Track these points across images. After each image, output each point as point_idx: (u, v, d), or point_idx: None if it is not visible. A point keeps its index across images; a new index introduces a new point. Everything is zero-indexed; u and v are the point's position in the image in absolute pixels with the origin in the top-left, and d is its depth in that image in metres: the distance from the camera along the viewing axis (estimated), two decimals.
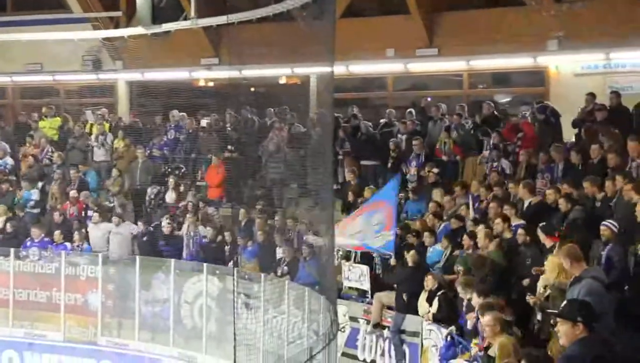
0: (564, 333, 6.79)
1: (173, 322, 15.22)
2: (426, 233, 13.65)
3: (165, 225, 16.46)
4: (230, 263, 15.26)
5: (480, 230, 12.35)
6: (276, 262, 15.22)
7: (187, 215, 16.68)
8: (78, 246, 16.50)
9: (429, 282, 12.43)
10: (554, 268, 10.10)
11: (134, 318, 15.45)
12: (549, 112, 15.88)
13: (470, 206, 14.25)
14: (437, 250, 13.44)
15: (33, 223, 17.20)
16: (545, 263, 10.46)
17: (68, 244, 16.63)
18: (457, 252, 12.88)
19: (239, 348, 13.65)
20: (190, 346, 15.04)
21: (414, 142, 16.53)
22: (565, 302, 7.68)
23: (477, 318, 10.21)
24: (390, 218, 13.48)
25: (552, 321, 8.87)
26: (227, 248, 15.87)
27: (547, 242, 11.17)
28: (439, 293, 12.28)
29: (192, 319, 15.30)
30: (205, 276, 14.90)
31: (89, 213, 17.57)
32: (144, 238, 16.65)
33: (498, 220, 12.51)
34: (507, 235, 12.32)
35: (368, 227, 13.66)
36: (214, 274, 14.96)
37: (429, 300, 12.38)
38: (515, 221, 12.49)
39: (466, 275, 11.74)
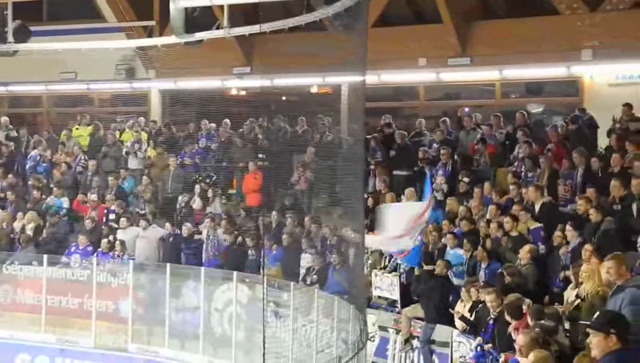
0: (596, 345, 6.65)
1: (202, 330, 15.25)
2: (449, 236, 13.59)
3: (185, 228, 16.62)
4: (256, 270, 15.23)
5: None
6: (301, 269, 15.21)
7: (206, 220, 16.79)
8: (119, 256, 16.66)
9: (469, 295, 12.26)
10: (591, 276, 9.99)
11: (164, 326, 15.49)
12: (583, 122, 15.71)
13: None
14: (457, 254, 13.40)
15: (72, 233, 17.41)
16: (581, 271, 10.35)
17: (104, 251, 16.82)
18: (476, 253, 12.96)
19: (268, 356, 13.66)
20: (220, 354, 15.06)
21: (441, 151, 16.48)
22: (598, 313, 7.55)
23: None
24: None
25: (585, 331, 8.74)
26: (250, 252, 15.88)
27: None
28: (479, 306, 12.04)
29: (222, 327, 15.31)
30: (235, 284, 14.91)
31: (110, 216, 17.80)
32: (170, 240, 16.80)
33: (507, 219, 12.86)
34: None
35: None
36: (244, 282, 14.97)
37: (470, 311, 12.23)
38: (532, 224, 12.49)
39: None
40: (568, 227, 12.25)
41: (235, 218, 17.22)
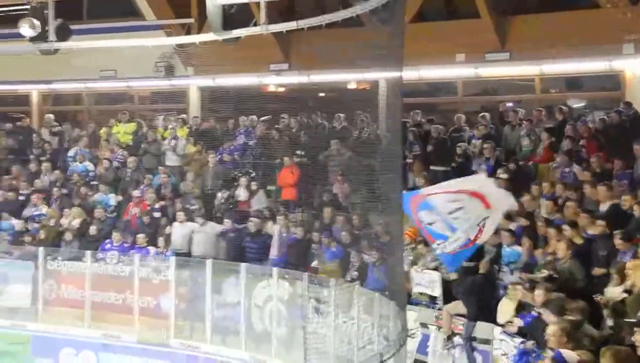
0: None
1: (243, 326, 15.36)
2: (505, 233, 13.49)
3: (252, 223, 16.71)
4: (303, 268, 15.31)
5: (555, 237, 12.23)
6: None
7: (278, 216, 16.85)
8: (162, 252, 16.84)
9: (518, 294, 12.20)
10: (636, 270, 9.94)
11: (205, 321, 15.63)
12: (626, 116, 15.56)
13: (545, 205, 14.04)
14: (513, 251, 13.30)
15: (115, 229, 17.67)
16: (627, 266, 10.29)
17: (152, 249, 17.03)
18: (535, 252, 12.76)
19: (309, 352, 13.74)
20: (260, 350, 15.15)
21: (484, 146, 16.39)
22: None
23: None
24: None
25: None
26: (314, 246, 15.95)
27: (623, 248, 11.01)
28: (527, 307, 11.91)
29: (262, 323, 15.41)
30: (275, 280, 15.00)
31: (155, 214, 18.00)
32: (231, 235, 16.91)
33: (566, 227, 12.48)
34: (578, 240, 12.16)
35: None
36: (284, 278, 15.05)
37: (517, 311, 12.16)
38: (591, 230, 12.31)
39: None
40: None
41: (292, 214, 17.26)
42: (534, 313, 11.26)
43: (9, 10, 18.02)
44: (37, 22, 15.56)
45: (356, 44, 15.64)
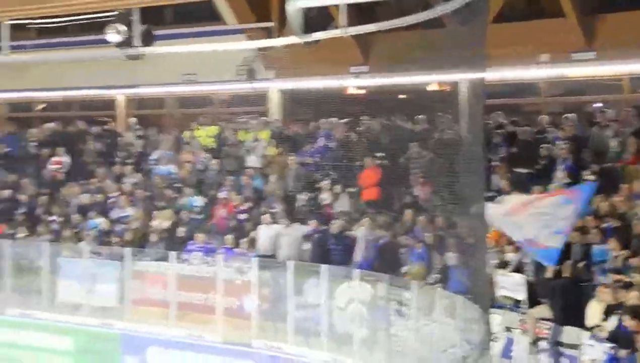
0: None
1: (324, 327, 15.41)
2: (594, 231, 13.17)
3: (335, 225, 16.76)
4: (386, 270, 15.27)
5: None
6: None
7: (363, 219, 16.84)
8: (245, 253, 17.05)
9: (606, 296, 11.92)
10: None
11: (288, 322, 15.75)
12: None
13: None
14: (602, 250, 13.02)
15: (199, 229, 17.96)
16: None
17: (236, 250, 17.25)
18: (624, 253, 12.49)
19: (391, 354, 13.72)
20: (342, 351, 15.19)
21: (562, 147, 16.12)
22: None
23: None
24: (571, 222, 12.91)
25: None
26: (402, 250, 15.91)
27: None
28: (618, 311, 11.71)
29: (344, 325, 15.43)
30: (357, 282, 15.02)
31: (240, 216, 18.18)
32: (316, 237, 16.99)
33: None
34: None
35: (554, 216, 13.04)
36: (366, 280, 15.05)
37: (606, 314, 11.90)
38: None
39: None
40: None
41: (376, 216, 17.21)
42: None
43: (95, 17, 18.49)
44: (123, 28, 15.97)
45: (437, 45, 15.54)
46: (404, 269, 15.40)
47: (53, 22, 20.34)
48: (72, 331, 17.43)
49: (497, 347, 13.41)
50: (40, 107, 27.57)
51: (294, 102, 22.10)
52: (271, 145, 20.22)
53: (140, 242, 18.45)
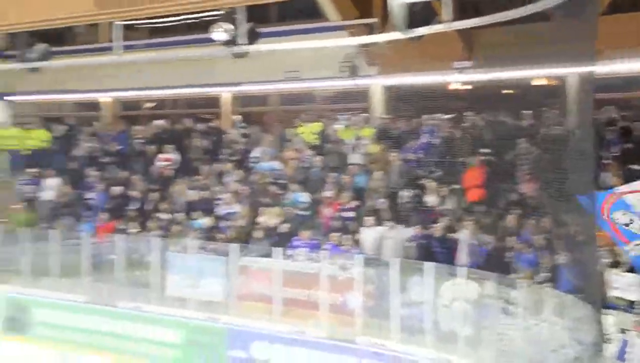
0: None
1: (429, 325, 15.30)
2: None
3: (437, 228, 16.67)
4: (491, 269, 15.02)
5: None
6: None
7: (465, 222, 16.70)
8: (349, 250, 17.07)
9: None
10: None
11: (391, 319, 15.69)
12: None
13: None
14: None
15: (303, 226, 18.13)
16: None
17: (342, 247, 17.30)
18: None
19: (498, 353, 13.52)
20: (446, 349, 15.04)
21: None
22: None
23: None
24: None
25: None
26: (509, 255, 15.67)
27: None
28: None
29: (448, 322, 15.28)
30: (462, 280, 14.83)
31: (344, 214, 18.20)
32: (421, 241, 16.94)
33: None
34: None
35: None
36: (472, 278, 14.85)
37: None
38: None
39: None
40: None
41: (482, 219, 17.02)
42: None
43: (202, 17, 18.89)
44: (229, 27, 16.26)
45: (543, 39, 15.21)
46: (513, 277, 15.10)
47: (161, 22, 20.94)
48: (180, 324, 17.83)
49: (611, 349, 13.01)
50: (149, 105, 28.38)
51: (397, 98, 21.99)
52: (374, 142, 20.18)
53: (245, 238, 18.71)
